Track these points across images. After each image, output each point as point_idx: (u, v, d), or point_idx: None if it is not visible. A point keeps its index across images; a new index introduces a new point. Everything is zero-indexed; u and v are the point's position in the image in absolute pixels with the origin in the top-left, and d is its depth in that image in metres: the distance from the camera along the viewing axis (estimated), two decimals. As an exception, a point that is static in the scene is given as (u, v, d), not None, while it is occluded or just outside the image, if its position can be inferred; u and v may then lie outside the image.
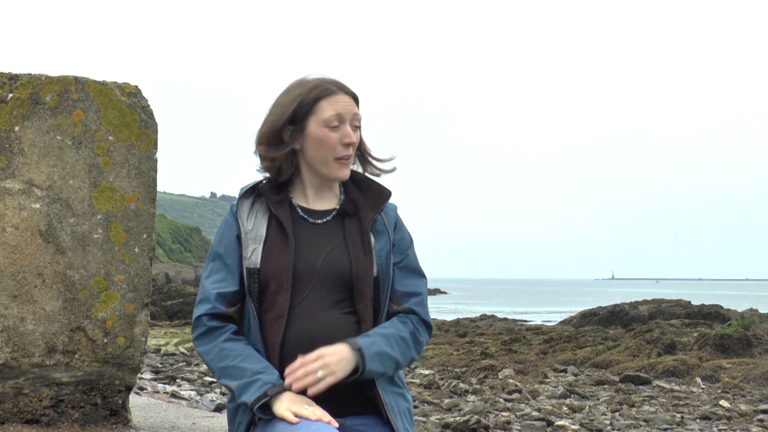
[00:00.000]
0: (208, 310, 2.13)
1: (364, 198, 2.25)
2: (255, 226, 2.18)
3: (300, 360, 2.00)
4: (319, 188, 2.25)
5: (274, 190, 2.22)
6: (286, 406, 1.96)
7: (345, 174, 2.20)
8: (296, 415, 1.93)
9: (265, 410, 1.99)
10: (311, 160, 2.20)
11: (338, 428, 1.94)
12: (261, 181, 2.26)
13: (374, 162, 2.30)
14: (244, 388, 2.02)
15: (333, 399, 2.07)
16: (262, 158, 2.23)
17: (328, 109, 2.15)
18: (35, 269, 3.23)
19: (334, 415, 1.99)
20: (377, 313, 2.18)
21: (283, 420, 1.94)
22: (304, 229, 2.20)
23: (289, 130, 2.18)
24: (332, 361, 1.99)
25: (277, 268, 2.12)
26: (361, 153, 2.28)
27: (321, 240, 2.19)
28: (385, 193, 2.26)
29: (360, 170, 2.31)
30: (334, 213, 2.23)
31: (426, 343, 2.24)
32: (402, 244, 2.26)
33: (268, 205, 2.20)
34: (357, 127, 2.19)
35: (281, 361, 2.09)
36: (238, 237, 2.18)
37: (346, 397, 2.11)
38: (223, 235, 2.20)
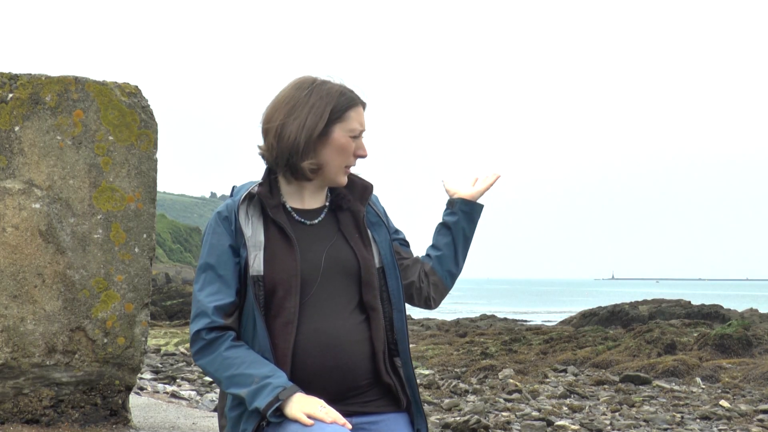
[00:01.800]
0: (207, 325, 2.11)
1: (351, 193, 2.28)
2: (254, 233, 2.17)
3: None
4: (314, 190, 2.25)
5: (269, 195, 2.22)
6: (298, 407, 1.96)
7: (346, 180, 2.23)
8: (310, 417, 1.93)
9: (276, 413, 1.98)
10: (324, 165, 2.19)
11: (350, 429, 1.93)
12: (254, 186, 2.25)
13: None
14: (255, 394, 2.00)
15: (342, 399, 2.08)
16: (287, 161, 2.18)
17: (354, 119, 2.19)
18: (35, 269, 3.23)
19: (344, 415, 1.99)
20: (386, 302, 2.19)
21: (296, 422, 1.94)
22: (301, 232, 2.20)
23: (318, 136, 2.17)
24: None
25: (283, 273, 2.11)
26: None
27: (318, 239, 2.19)
28: (369, 188, 2.29)
29: None
30: (325, 210, 2.24)
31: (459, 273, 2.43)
32: (396, 227, 2.39)
33: (262, 210, 2.19)
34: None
35: (293, 366, 2.08)
36: (231, 246, 2.16)
37: (358, 396, 2.12)
38: (212, 245, 2.17)
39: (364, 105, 2.23)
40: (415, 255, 2.37)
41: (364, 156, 2.21)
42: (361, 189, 2.28)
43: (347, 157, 2.19)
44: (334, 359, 2.09)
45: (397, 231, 2.38)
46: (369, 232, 2.23)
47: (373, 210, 2.28)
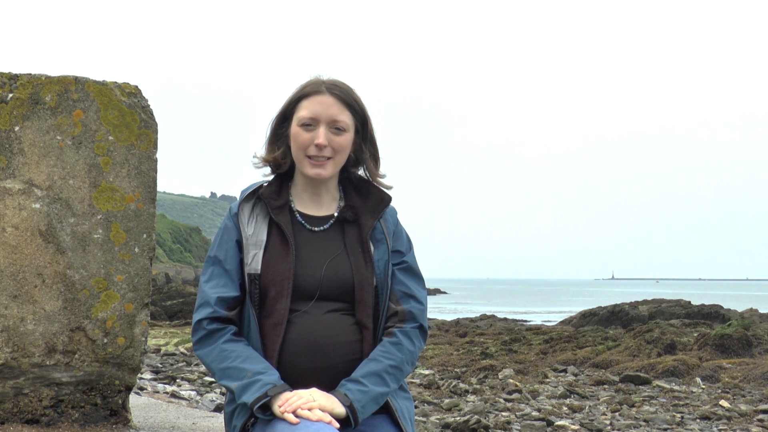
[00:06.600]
0: (209, 314, 2.12)
1: (364, 203, 2.24)
2: (256, 231, 2.18)
3: (294, 391, 2.01)
4: (315, 191, 2.24)
5: (275, 195, 2.22)
6: (285, 406, 1.96)
7: (317, 173, 2.18)
8: (296, 415, 1.93)
9: (265, 411, 1.99)
10: (294, 158, 2.22)
11: (338, 428, 1.94)
12: (262, 185, 2.26)
13: (375, 176, 2.29)
14: (245, 388, 2.01)
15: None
16: (264, 157, 2.27)
17: (304, 109, 2.18)
18: (35, 269, 3.23)
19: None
20: (377, 320, 2.17)
21: (283, 420, 1.94)
22: (304, 236, 2.19)
23: (284, 128, 2.24)
24: (324, 397, 2.00)
25: (277, 274, 2.12)
26: (365, 164, 2.29)
27: (322, 249, 2.18)
28: (385, 199, 2.25)
29: (369, 174, 2.31)
30: (332, 220, 2.23)
31: (422, 349, 2.24)
32: (401, 248, 2.26)
33: (269, 210, 2.20)
34: (339, 130, 2.17)
35: (282, 365, 2.09)
36: (238, 242, 2.18)
37: None
38: (222, 240, 2.20)
39: (339, 97, 2.18)
40: (402, 306, 2.20)
41: (318, 145, 2.15)
42: (376, 200, 2.24)
43: (302, 147, 2.17)
44: (323, 360, 2.10)
45: (402, 253, 2.25)
46: (372, 248, 2.19)
47: (382, 226, 2.23)
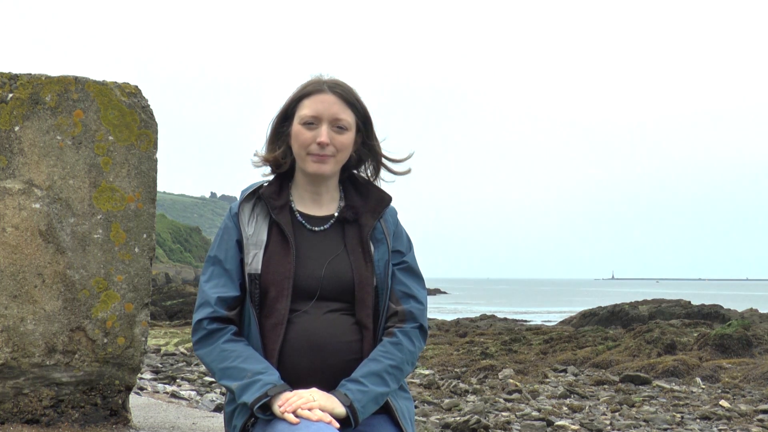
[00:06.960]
0: (209, 314, 2.13)
1: (365, 204, 2.25)
2: (256, 231, 2.18)
3: (294, 391, 2.01)
4: (315, 191, 2.24)
5: (275, 195, 2.22)
6: (285, 405, 1.96)
7: (319, 169, 2.18)
8: (296, 415, 1.93)
9: (265, 410, 1.99)
10: (295, 156, 2.23)
11: (338, 428, 1.94)
12: (262, 185, 2.26)
13: (387, 164, 2.30)
14: (245, 388, 2.01)
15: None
16: (264, 156, 2.27)
17: (306, 107, 2.19)
18: (35, 269, 3.23)
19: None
20: (377, 320, 2.18)
21: (283, 420, 1.94)
22: (304, 236, 2.19)
23: (285, 127, 2.24)
24: (324, 397, 2.00)
25: (277, 274, 2.12)
26: (375, 159, 2.30)
27: (322, 249, 2.18)
28: (386, 199, 2.26)
29: (370, 174, 2.31)
30: (333, 220, 2.23)
31: (422, 349, 2.24)
32: (401, 247, 2.26)
33: (269, 209, 2.20)
34: (341, 129, 2.18)
35: (282, 365, 2.09)
36: (238, 242, 2.18)
37: None
38: (222, 240, 2.20)
39: (341, 96, 2.18)
40: (402, 306, 2.20)
41: (321, 143, 2.16)
42: (376, 201, 2.25)
43: (304, 146, 2.18)
44: (323, 360, 2.10)
45: (402, 253, 2.25)
46: (372, 248, 2.20)
47: (382, 226, 2.24)
